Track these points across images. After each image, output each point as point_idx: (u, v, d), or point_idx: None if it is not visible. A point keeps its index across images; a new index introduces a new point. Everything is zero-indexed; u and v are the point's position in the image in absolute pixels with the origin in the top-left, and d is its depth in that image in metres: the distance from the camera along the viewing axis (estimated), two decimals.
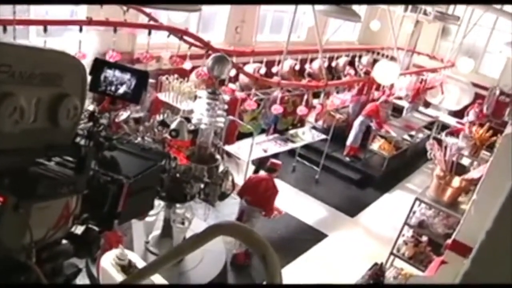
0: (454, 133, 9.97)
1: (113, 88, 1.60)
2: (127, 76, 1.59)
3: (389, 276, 6.57)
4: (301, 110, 7.84)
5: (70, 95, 1.26)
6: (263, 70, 8.30)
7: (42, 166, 1.33)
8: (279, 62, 7.87)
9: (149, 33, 6.27)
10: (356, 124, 10.03)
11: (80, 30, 5.67)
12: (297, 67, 9.30)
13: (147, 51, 6.45)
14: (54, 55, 1.25)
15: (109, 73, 1.59)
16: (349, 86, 9.67)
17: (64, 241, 1.48)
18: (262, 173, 6.90)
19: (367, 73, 10.46)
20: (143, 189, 1.70)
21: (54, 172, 1.31)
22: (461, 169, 6.35)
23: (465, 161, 8.42)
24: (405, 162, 10.96)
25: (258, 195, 6.21)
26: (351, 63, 11.24)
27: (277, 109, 7.48)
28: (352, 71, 10.91)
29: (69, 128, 1.30)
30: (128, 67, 1.61)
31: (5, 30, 4.91)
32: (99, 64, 1.60)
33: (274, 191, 6.29)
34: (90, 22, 5.77)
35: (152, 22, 6.48)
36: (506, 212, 0.88)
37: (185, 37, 6.60)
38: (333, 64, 10.89)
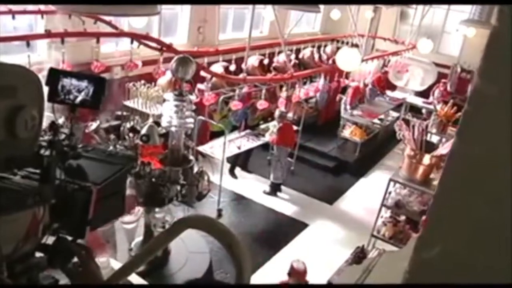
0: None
1: (71, 96, 1.61)
2: (84, 84, 1.60)
3: (372, 257, 6.69)
4: (261, 104, 7.90)
5: (27, 106, 1.26)
6: (231, 68, 8.29)
7: (5, 180, 1.33)
8: (242, 59, 7.89)
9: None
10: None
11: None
12: (264, 62, 9.33)
13: (96, 60, 6.39)
14: (6, 68, 1.26)
15: (66, 81, 1.59)
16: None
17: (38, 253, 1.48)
18: None
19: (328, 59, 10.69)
20: (112, 194, 1.71)
21: (18, 184, 1.32)
22: (430, 147, 6.47)
23: (434, 139, 8.63)
24: (377, 146, 11.17)
25: None
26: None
27: (236, 105, 7.59)
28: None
29: (29, 140, 1.31)
30: (84, 74, 1.62)
31: None
32: (55, 73, 1.60)
33: None
34: (49, 35, 5.68)
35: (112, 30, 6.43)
36: (447, 175, 0.94)
37: (148, 42, 6.54)
38: (300, 55, 10.95)
